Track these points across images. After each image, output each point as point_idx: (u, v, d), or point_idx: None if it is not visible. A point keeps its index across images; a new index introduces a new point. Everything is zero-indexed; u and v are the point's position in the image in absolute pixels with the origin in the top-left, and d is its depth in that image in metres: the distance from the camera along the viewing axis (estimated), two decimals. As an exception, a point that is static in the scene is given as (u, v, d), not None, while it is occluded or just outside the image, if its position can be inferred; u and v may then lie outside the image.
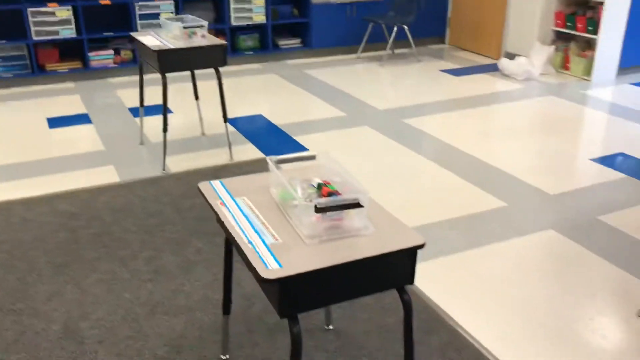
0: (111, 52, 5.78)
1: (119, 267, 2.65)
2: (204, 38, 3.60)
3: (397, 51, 6.89)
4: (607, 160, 3.86)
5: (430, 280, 2.58)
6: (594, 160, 3.87)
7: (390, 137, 4.26)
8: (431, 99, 5.16)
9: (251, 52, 6.35)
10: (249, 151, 3.99)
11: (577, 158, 3.90)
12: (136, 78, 5.79)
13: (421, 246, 1.50)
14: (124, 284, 2.53)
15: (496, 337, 2.23)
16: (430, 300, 2.43)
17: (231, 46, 6.33)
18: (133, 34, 3.82)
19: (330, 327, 2.27)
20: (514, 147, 4.08)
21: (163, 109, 3.54)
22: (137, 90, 5.36)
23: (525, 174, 3.65)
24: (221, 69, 3.60)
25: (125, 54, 5.89)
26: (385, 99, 5.15)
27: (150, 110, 4.77)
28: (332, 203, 1.51)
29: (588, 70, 5.70)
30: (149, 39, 3.63)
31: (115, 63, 5.81)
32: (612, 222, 3.07)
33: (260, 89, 5.44)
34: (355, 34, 6.70)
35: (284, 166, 1.81)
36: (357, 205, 1.53)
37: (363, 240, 1.51)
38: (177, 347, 2.15)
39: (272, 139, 4.20)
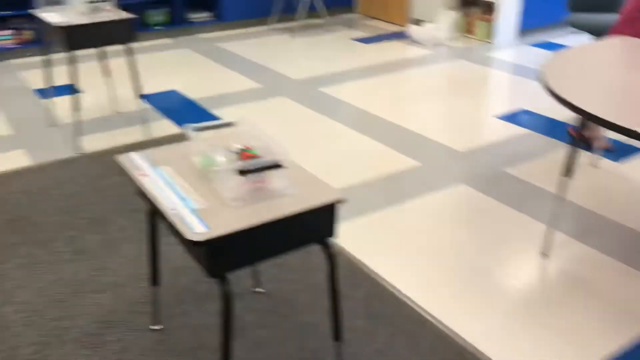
0: (10, 32, 5.49)
1: (39, 250, 2.60)
2: (110, 13, 3.50)
3: (309, 21, 6.93)
4: (511, 117, 4.10)
5: (353, 238, 2.69)
6: (500, 117, 4.10)
7: (308, 106, 4.32)
8: (345, 67, 5.25)
9: (161, 27, 6.21)
10: (165, 127, 3.94)
11: (484, 116, 4.12)
12: (40, 58, 5.53)
13: (340, 201, 1.58)
14: (46, 266, 2.48)
15: (416, 286, 2.37)
16: (354, 257, 2.54)
17: (140, 22, 6.16)
18: (35, 11, 3.67)
19: (260, 289, 2.34)
20: (426, 110, 4.25)
21: (73, 89, 3.43)
22: (42, 71, 5.13)
23: (437, 134, 3.83)
24: (131, 45, 3.52)
25: (26, 34, 5.61)
26: (300, 69, 5.20)
27: (59, 91, 4.60)
28: (254, 165, 1.56)
29: (491, 34, 5.98)
30: (53, 16, 3.49)
31: (15, 44, 5.53)
32: (517, 173, 3.29)
33: (173, 64, 5.35)
34: (266, 6, 6.68)
35: (204, 134, 1.84)
36: (278, 166, 1.59)
37: (286, 199, 1.58)
38: (106, 323, 2.16)
39: (189, 114, 4.17)
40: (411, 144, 3.68)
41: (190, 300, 2.28)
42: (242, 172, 1.55)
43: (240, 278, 2.40)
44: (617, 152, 3.54)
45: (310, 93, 4.59)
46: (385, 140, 3.73)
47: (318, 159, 3.49)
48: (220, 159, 1.68)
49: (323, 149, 3.63)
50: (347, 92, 4.60)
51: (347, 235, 2.71)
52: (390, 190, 3.12)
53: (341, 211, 2.91)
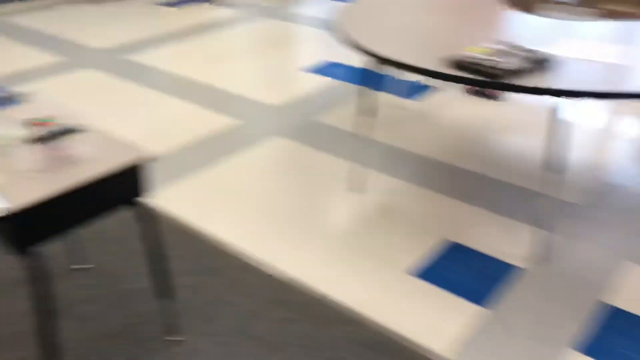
0: None
1: None
2: None
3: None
4: (318, 69, 4.29)
5: (178, 200, 2.70)
6: (309, 70, 4.28)
7: (117, 75, 4.17)
8: (153, 33, 5.11)
9: (-63, 4, 5.54)
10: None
11: (294, 71, 4.27)
12: None
13: (144, 160, 1.59)
14: None
15: (244, 237, 2.45)
16: (180, 219, 2.56)
17: None
18: None
19: (84, 265, 2.28)
20: (239, 70, 4.30)
21: None
22: None
23: (252, 92, 3.91)
24: None
25: None
26: (104, 38, 4.96)
27: None
28: (49, 133, 1.52)
29: (295, -9, 6.15)
30: None
31: None
32: (326, 120, 3.49)
33: (-42, 44, 4.83)
34: (59, -26, 6.23)
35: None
36: (73, 131, 1.55)
37: (87, 164, 1.55)
38: None
39: (-17, 96, 3.82)
40: (228, 104, 3.72)
41: (4, 288, 2.16)
42: (37, 141, 1.50)
43: (61, 256, 2.31)
44: (415, 91, 3.88)
45: (118, 62, 4.42)
46: (202, 103, 3.73)
47: (136, 127, 3.40)
48: (14, 131, 1.60)
49: (139, 117, 3.54)
50: (157, 58, 4.50)
51: (171, 199, 2.71)
52: (211, 150, 3.15)
53: (163, 175, 2.89)
